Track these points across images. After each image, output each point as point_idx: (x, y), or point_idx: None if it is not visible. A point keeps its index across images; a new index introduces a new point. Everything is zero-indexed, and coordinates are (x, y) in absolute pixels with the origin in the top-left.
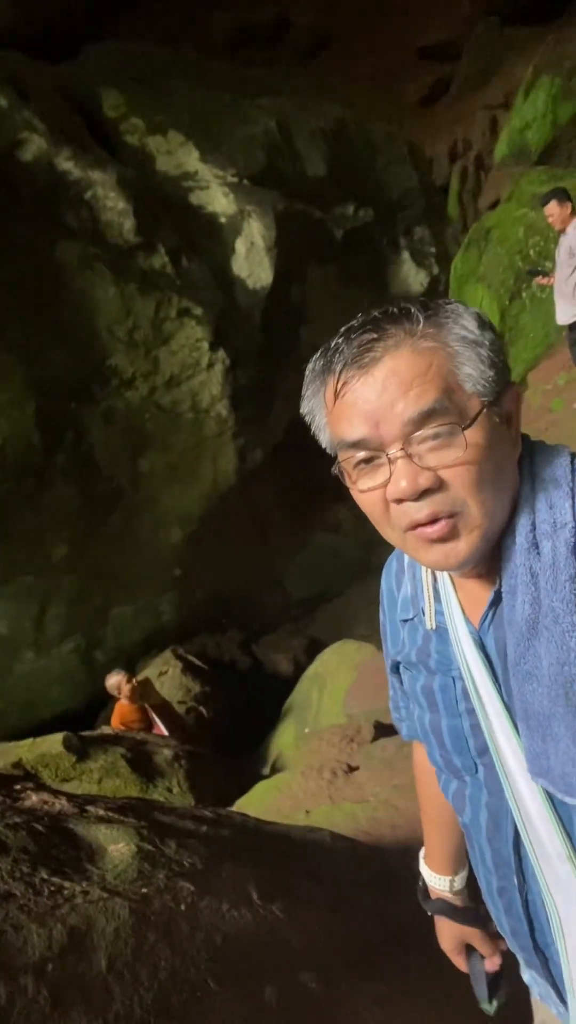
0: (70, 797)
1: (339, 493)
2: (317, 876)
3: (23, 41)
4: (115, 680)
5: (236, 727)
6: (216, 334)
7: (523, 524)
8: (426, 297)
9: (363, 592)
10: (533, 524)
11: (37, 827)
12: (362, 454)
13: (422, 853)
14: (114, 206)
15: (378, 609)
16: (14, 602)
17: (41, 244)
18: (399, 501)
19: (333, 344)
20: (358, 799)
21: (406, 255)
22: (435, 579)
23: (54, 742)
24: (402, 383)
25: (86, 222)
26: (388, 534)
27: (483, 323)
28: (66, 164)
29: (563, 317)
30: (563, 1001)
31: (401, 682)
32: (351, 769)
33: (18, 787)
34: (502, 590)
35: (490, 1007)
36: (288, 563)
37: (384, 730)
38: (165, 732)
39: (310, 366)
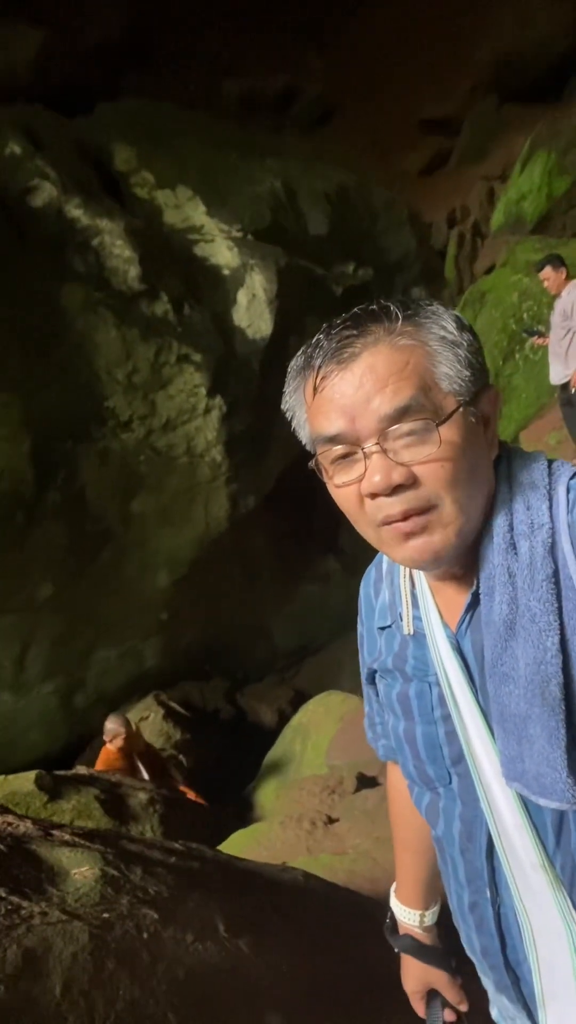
0: (36, 821)
1: (328, 544)
2: (288, 914)
3: (40, 96)
4: (113, 727)
5: (216, 776)
6: (214, 381)
7: (500, 525)
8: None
9: (349, 644)
10: (511, 525)
11: None
12: (339, 449)
13: (393, 886)
14: (120, 253)
15: None
16: None
17: (47, 286)
18: (373, 496)
19: (314, 340)
20: (337, 851)
21: None
22: (413, 584)
23: (26, 780)
24: (379, 379)
25: (92, 268)
26: (363, 530)
27: (462, 325)
28: (75, 212)
29: (556, 377)
30: (534, 1022)
31: (377, 693)
32: (331, 820)
33: None
34: (480, 591)
35: None
36: (275, 613)
37: (366, 782)
38: (146, 780)
39: (292, 363)
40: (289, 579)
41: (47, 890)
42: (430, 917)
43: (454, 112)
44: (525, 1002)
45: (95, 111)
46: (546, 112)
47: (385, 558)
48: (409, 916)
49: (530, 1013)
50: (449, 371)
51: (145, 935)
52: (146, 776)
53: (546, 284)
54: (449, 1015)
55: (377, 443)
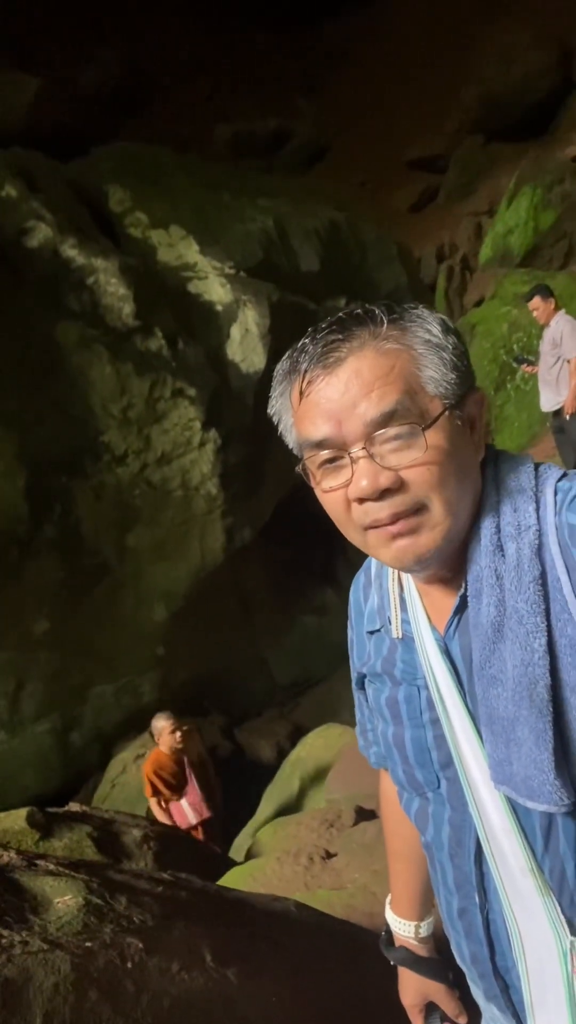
0: (20, 852)
1: (325, 576)
2: (278, 943)
3: (36, 140)
4: (161, 724)
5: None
6: (209, 414)
7: (487, 527)
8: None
9: (348, 677)
10: (498, 527)
11: None
12: (325, 453)
13: (388, 899)
14: (115, 291)
15: None
16: None
17: (42, 324)
18: (361, 500)
19: (300, 345)
20: (335, 886)
21: None
22: (402, 588)
23: (17, 817)
24: (364, 384)
25: (87, 305)
26: (350, 534)
27: (447, 328)
28: (71, 251)
29: (547, 404)
30: None
31: (367, 698)
32: (329, 855)
33: None
34: (467, 594)
35: None
36: (273, 646)
37: (365, 815)
38: (199, 793)
39: (278, 367)
40: (286, 612)
41: (29, 919)
42: (425, 928)
43: (441, 150)
44: (515, 1009)
45: (90, 154)
46: (531, 149)
47: (374, 563)
48: (404, 928)
49: (519, 1021)
50: (435, 374)
51: (129, 964)
52: (196, 790)
53: (535, 314)
54: None
55: (364, 448)
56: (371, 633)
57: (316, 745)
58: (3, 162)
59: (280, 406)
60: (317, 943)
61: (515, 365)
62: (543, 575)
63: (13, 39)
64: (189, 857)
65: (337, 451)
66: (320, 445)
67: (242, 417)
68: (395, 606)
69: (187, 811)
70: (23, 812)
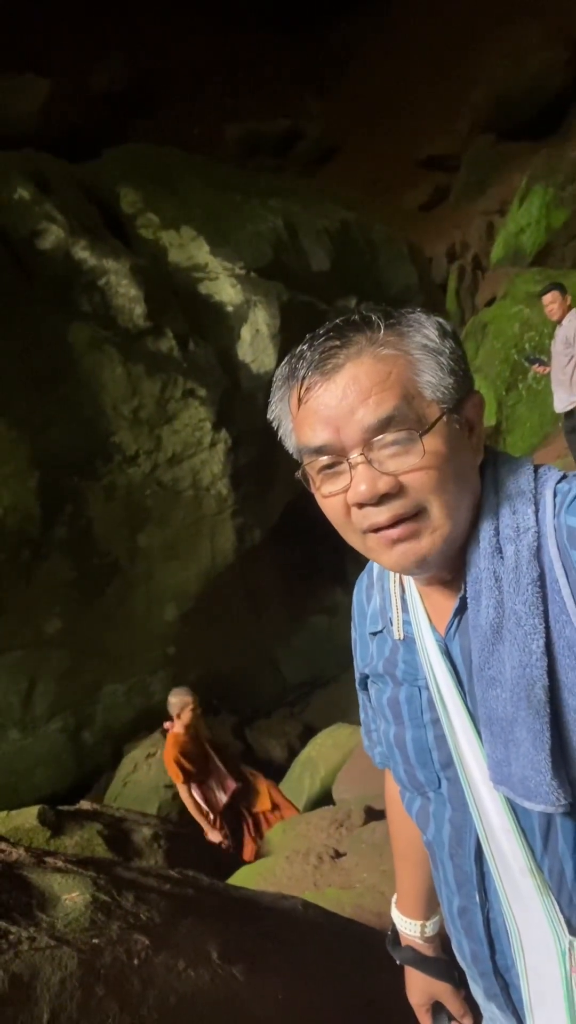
0: (28, 848)
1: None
2: (285, 942)
3: (48, 142)
4: (180, 699)
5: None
6: (219, 415)
7: (486, 529)
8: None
9: None
10: (496, 529)
11: None
12: (325, 459)
13: (394, 898)
14: (126, 292)
15: None
16: (3, 677)
17: (54, 325)
18: (360, 505)
19: (298, 351)
20: (344, 885)
21: None
22: (403, 590)
23: (29, 815)
24: (362, 390)
25: (98, 307)
26: (350, 538)
27: (444, 332)
28: (82, 253)
29: (560, 405)
30: None
31: (370, 699)
32: (338, 855)
33: None
34: (467, 596)
35: None
36: (283, 646)
37: (374, 815)
38: (221, 769)
39: (277, 371)
40: (296, 612)
41: (37, 916)
42: (431, 927)
43: (452, 150)
44: (514, 1008)
45: (101, 156)
46: (543, 148)
47: (376, 564)
48: (410, 927)
49: (519, 1020)
50: (432, 379)
51: (136, 961)
52: (219, 764)
53: (550, 308)
54: None
55: (362, 453)
56: (373, 634)
57: (326, 745)
58: (15, 164)
59: (279, 411)
60: (324, 942)
61: (527, 365)
62: (541, 577)
63: (25, 42)
64: (199, 855)
65: (336, 457)
66: (319, 451)
67: (252, 418)
68: (396, 607)
69: (216, 791)
70: (35, 810)
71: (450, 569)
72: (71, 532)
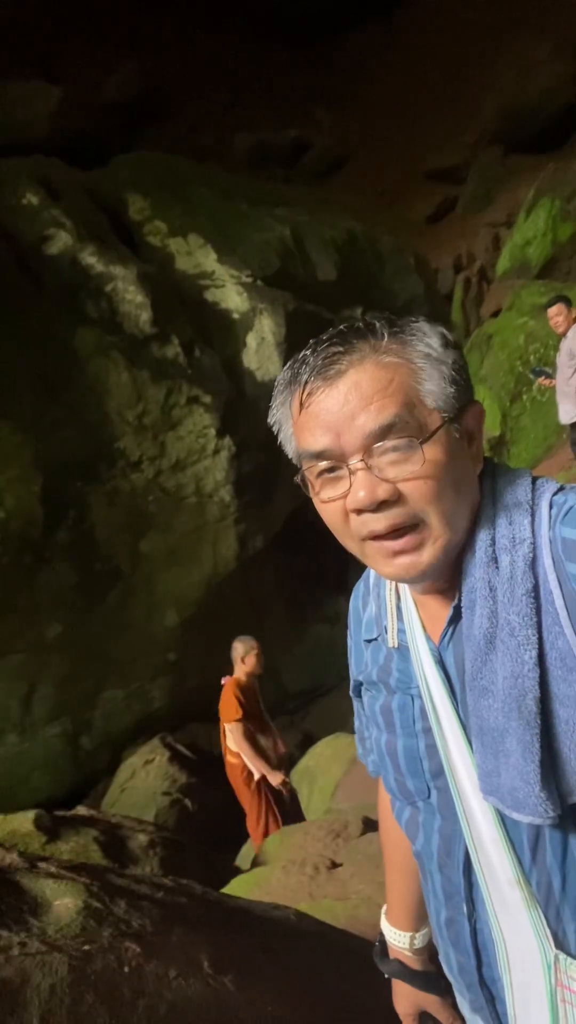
0: (22, 853)
1: (337, 584)
2: (276, 952)
3: (57, 149)
4: (246, 644)
5: (221, 821)
6: (223, 422)
7: (482, 539)
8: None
9: None
10: (493, 539)
11: None
12: (324, 464)
13: (384, 909)
14: (133, 299)
15: None
16: (2, 681)
17: (60, 331)
18: (358, 512)
19: (301, 356)
20: (340, 896)
21: None
22: (398, 598)
23: (25, 820)
24: (363, 396)
25: (105, 312)
26: (347, 543)
27: (447, 342)
28: (90, 259)
29: (565, 416)
30: None
31: (363, 706)
32: (335, 865)
33: None
34: (461, 605)
35: None
36: (284, 654)
37: (372, 825)
38: (272, 726)
39: (280, 376)
40: (298, 620)
41: (28, 921)
42: (420, 939)
43: (459, 162)
44: (500, 1021)
45: (110, 163)
46: (550, 161)
47: (372, 572)
48: (399, 938)
49: None
50: (434, 388)
51: (126, 969)
52: (271, 724)
53: (555, 321)
54: None
55: (362, 460)
56: (368, 642)
57: (324, 755)
58: (25, 170)
59: (280, 416)
60: (316, 952)
61: (532, 377)
62: (536, 588)
63: (36, 49)
64: (193, 864)
65: (335, 462)
66: (319, 456)
67: (257, 425)
68: (391, 615)
69: (269, 743)
70: (31, 814)
71: (446, 578)
72: (74, 537)
